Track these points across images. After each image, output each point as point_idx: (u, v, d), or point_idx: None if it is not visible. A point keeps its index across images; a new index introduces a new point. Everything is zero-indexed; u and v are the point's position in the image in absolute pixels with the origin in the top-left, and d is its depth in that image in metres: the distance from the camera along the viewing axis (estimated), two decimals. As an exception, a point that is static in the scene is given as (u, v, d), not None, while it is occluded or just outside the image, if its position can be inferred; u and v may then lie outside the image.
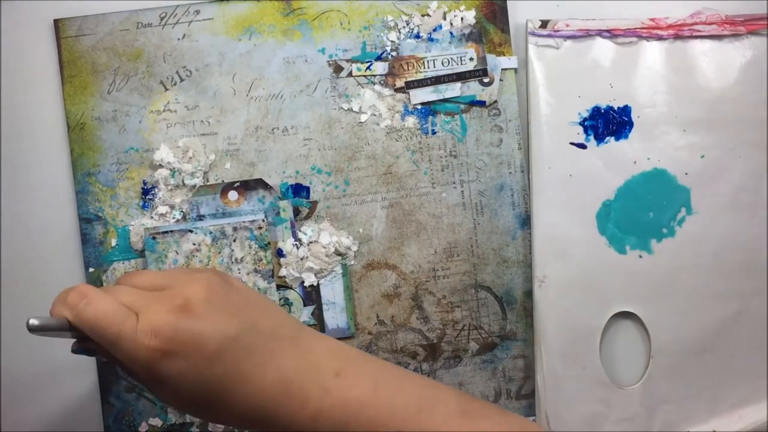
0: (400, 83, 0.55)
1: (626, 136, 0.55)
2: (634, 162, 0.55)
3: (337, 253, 0.55)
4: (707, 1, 0.55)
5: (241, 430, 0.51)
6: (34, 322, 0.39)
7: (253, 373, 0.40)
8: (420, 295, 0.56)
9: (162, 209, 0.55)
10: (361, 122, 0.56)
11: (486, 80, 0.56)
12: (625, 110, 0.55)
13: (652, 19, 0.55)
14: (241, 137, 0.55)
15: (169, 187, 0.55)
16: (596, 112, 0.55)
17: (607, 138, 0.55)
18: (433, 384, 0.44)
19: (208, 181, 0.55)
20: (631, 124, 0.55)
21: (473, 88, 0.56)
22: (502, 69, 0.56)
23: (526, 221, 0.56)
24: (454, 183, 0.56)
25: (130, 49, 0.55)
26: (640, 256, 0.55)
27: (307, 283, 0.55)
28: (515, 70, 0.56)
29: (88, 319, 0.39)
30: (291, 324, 0.43)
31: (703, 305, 0.55)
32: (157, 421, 0.55)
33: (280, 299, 0.54)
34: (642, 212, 0.55)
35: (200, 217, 0.54)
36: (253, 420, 0.41)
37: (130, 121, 0.55)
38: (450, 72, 0.55)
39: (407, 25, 0.56)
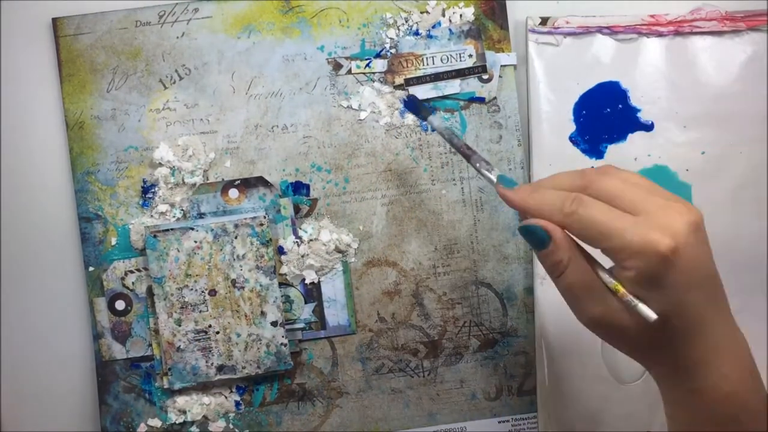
0: (399, 80, 0.55)
1: (626, 133, 0.55)
2: (635, 158, 0.55)
3: (338, 250, 0.55)
4: (707, -3, 0.55)
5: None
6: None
7: (712, 321, 0.39)
8: (420, 292, 0.56)
9: (162, 207, 0.55)
10: (360, 119, 0.56)
11: (485, 77, 0.55)
12: (626, 107, 0.55)
13: (652, 16, 0.55)
14: (240, 135, 0.55)
15: (169, 186, 0.55)
16: (596, 108, 0.55)
17: (608, 135, 0.55)
18: None
19: (208, 179, 0.55)
20: (631, 121, 0.55)
21: (472, 85, 0.55)
22: (501, 65, 0.55)
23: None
24: (453, 180, 0.56)
25: (128, 48, 0.55)
26: (641, 253, 0.55)
27: (308, 281, 0.55)
28: (514, 66, 0.56)
29: (584, 220, 0.40)
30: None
31: (704, 301, 0.55)
32: (156, 422, 0.55)
33: (281, 296, 0.54)
34: (643, 208, 0.55)
35: (201, 215, 0.54)
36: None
37: (130, 119, 0.55)
38: (449, 69, 0.55)
39: (406, 22, 0.55)
